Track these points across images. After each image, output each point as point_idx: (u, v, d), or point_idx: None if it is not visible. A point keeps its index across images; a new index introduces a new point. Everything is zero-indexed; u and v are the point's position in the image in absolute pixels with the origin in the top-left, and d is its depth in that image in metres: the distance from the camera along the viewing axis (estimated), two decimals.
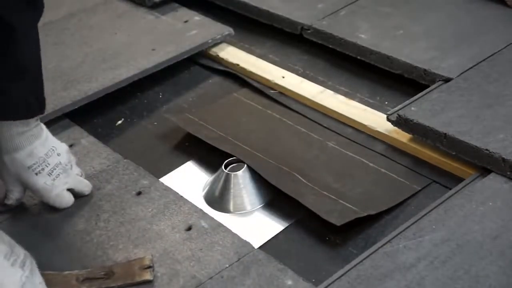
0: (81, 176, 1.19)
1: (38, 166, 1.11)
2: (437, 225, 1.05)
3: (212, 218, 1.12)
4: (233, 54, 1.55)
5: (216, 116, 1.39)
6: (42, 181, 1.12)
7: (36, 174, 1.11)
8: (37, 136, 1.11)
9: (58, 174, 1.13)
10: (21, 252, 0.96)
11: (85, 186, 1.18)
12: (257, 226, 1.15)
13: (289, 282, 1.00)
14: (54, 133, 1.25)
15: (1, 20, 1.00)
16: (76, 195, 1.17)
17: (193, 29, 1.58)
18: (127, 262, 1.05)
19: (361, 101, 1.38)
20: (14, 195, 1.14)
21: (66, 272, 1.04)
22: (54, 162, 1.13)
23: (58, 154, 1.14)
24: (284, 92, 1.44)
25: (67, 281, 1.03)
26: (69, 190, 1.16)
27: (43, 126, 1.14)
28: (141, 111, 1.44)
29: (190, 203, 1.16)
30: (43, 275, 0.99)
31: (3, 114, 1.07)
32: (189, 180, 1.25)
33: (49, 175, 1.12)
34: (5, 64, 1.04)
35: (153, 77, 1.48)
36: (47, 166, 1.12)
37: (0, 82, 1.04)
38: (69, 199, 1.16)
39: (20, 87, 1.07)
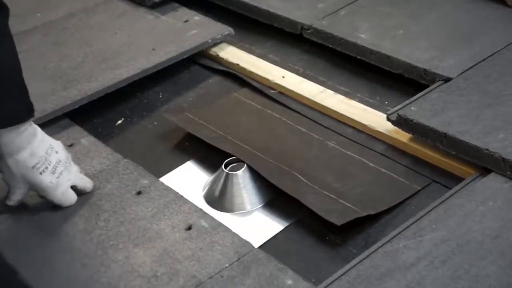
0: (80, 173, 1.19)
1: (42, 165, 1.11)
2: (437, 225, 1.04)
3: (212, 218, 1.12)
4: (233, 54, 1.55)
5: (216, 115, 1.39)
6: (47, 180, 1.12)
7: (41, 173, 1.11)
8: (34, 135, 1.12)
9: (61, 172, 1.14)
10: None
11: (87, 182, 1.18)
12: (257, 225, 1.15)
13: (289, 282, 1.00)
14: (54, 132, 1.26)
15: None
16: (79, 192, 1.17)
17: (193, 29, 1.58)
18: None
19: (361, 101, 1.38)
20: (16, 197, 1.14)
21: None
22: (55, 160, 1.13)
23: (56, 152, 1.14)
24: (284, 92, 1.44)
25: None
26: (72, 187, 1.16)
27: (35, 125, 1.13)
28: (141, 111, 1.44)
29: (190, 202, 1.16)
30: None
31: None
32: (189, 180, 1.25)
33: (53, 173, 1.13)
34: None
35: (153, 77, 1.48)
36: (50, 164, 1.12)
37: None
38: (73, 197, 1.16)
39: (1, 96, 1.05)
